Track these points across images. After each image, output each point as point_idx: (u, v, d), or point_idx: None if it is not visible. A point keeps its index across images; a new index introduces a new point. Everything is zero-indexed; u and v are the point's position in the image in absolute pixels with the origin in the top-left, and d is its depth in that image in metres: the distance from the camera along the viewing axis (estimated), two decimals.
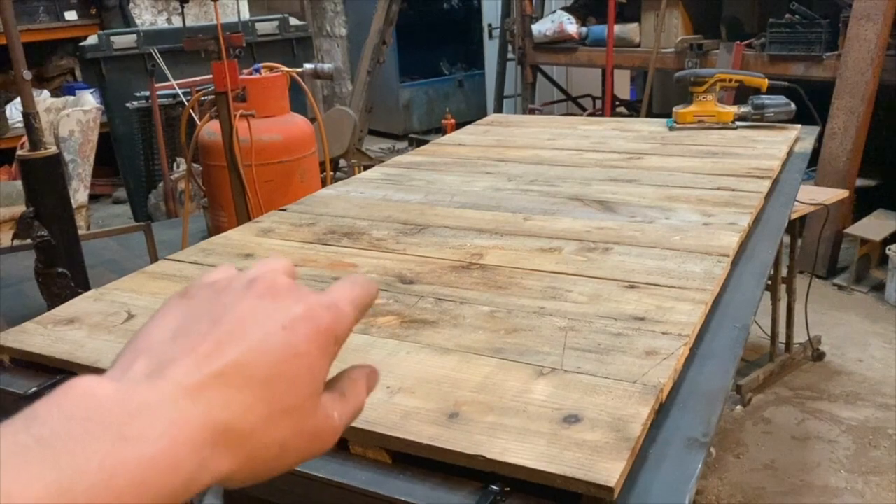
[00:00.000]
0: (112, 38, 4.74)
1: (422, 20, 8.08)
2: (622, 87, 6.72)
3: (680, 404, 0.87)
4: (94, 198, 5.85)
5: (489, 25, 7.47)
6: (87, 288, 2.22)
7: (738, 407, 2.74)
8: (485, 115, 7.28)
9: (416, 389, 0.86)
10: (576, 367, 0.90)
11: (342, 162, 4.47)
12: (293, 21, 5.22)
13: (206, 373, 0.36)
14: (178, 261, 1.33)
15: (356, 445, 0.81)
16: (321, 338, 0.40)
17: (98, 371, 1.01)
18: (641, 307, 1.05)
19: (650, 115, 5.09)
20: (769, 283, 2.75)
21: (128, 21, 6.27)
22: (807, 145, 2.05)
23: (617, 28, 5.16)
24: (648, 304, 1.06)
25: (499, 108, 6.86)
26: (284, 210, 1.60)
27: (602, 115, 5.68)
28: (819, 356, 3.05)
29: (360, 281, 0.46)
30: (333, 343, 0.41)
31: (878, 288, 3.68)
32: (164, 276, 1.26)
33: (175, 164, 4.26)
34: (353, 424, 0.79)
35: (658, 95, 5.63)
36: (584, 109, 6.47)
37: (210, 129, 2.61)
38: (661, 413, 0.85)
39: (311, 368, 0.39)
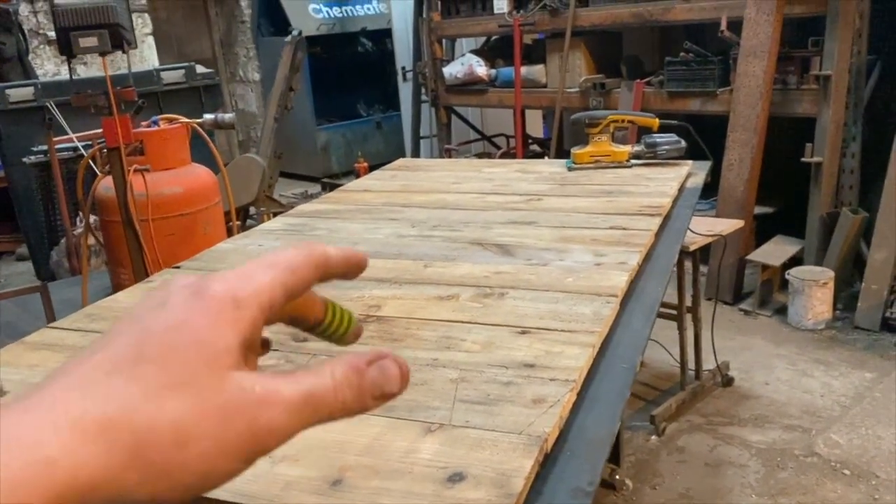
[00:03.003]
0: (7, 91, 4.57)
1: (337, 63, 8.13)
2: (535, 125, 6.89)
3: (567, 452, 0.87)
4: None
5: (402, 68, 7.57)
6: None
7: (653, 437, 2.79)
8: (403, 155, 7.35)
9: (301, 457, 0.84)
10: (464, 421, 0.89)
11: (252, 210, 4.40)
12: (200, 69, 5.15)
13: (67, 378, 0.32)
14: (61, 328, 1.27)
15: None
16: (206, 304, 0.35)
17: None
18: (532, 353, 1.05)
19: (560, 152, 5.23)
20: (675, 312, 2.83)
21: (28, 73, 6.07)
22: (698, 180, 2.13)
23: (524, 70, 5.30)
24: (538, 349, 1.06)
25: (416, 149, 6.93)
26: (178, 267, 1.56)
27: (515, 153, 5.80)
28: (728, 381, 3.14)
29: (300, 246, 0.41)
30: (232, 308, 0.36)
31: (781, 311, 3.84)
32: (43, 345, 1.20)
33: (78, 219, 4.10)
34: (231, 499, 0.77)
35: (568, 133, 5.79)
36: (498, 148, 6.60)
37: (107, 184, 2.53)
38: (549, 462, 0.85)
39: (198, 337, 0.34)
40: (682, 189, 2.00)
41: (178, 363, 0.33)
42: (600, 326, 1.12)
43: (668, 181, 1.97)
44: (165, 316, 0.35)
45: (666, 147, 2.14)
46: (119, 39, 1.97)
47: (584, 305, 1.20)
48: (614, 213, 1.72)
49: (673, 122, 2.22)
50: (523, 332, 1.13)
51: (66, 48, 1.96)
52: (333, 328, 0.47)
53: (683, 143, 2.16)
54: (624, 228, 1.59)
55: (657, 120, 2.19)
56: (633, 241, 1.50)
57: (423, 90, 6.45)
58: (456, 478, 0.78)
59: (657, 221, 1.63)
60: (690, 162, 2.20)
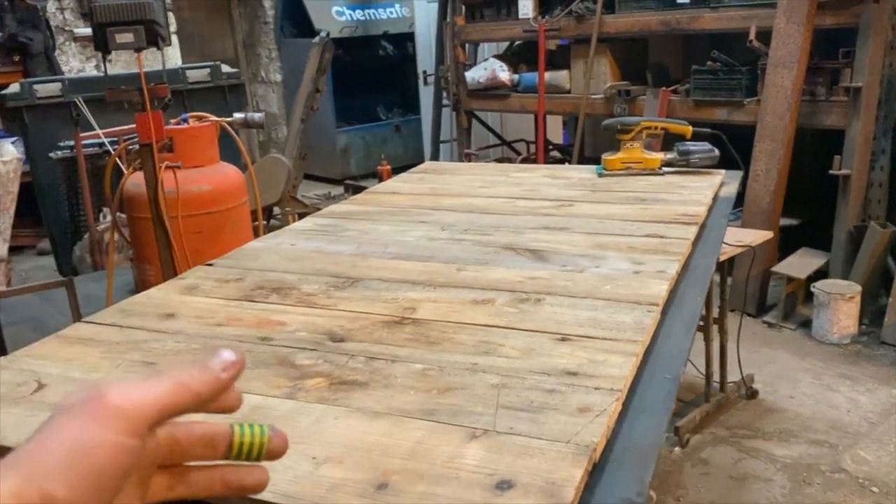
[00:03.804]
0: (35, 86, 4.61)
1: (358, 66, 8.14)
2: (555, 131, 6.87)
3: (614, 462, 0.86)
4: (16, 249, 5.62)
5: (424, 72, 7.57)
6: (2, 349, 2.10)
7: (677, 448, 2.76)
8: (422, 159, 7.34)
9: (344, 459, 0.82)
10: (508, 428, 0.87)
11: (276, 210, 4.41)
12: (225, 68, 5.17)
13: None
14: (96, 323, 1.26)
15: None
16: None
17: (3, 449, 0.93)
18: (574, 361, 1.04)
19: (582, 159, 5.20)
20: (701, 323, 2.79)
21: (54, 68, 6.12)
22: (731, 189, 2.11)
23: (548, 75, 5.29)
24: (581, 357, 1.05)
25: (435, 153, 6.92)
26: (211, 265, 1.55)
27: (536, 159, 5.78)
28: (752, 394, 3.11)
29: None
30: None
31: (806, 324, 3.80)
32: (79, 340, 1.20)
33: (101, 215, 4.13)
34: (274, 500, 0.76)
35: (590, 139, 5.77)
36: (518, 154, 6.58)
37: (135, 181, 2.54)
38: (595, 473, 0.83)
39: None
40: (715, 198, 1.97)
41: None
42: (643, 335, 1.10)
43: (703, 190, 1.95)
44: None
45: (699, 155, 2.12)
46: (154, 36, 1.98)
47: (624, 314, 1.19)
48: (649, 221, 1.70)
49: (706, 130, 2.19)
50: (563, 339, 1.11)
51: (102, 44, 1.97)
52: (247, 446, 0.49)
53: (717, 152, 2.13)
54: (660, 236, 1.57)
55: (690, 128, 2.17)
56: (670, 250, 1.48)
57: (445, 94, 6.44)
58: (504, 485, 0.76)
59: (694, 230, 1.61)
60: (723, 171, 2.17)
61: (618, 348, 1.07)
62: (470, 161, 6.08)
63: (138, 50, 2.04)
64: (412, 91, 8.16)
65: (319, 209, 2.15)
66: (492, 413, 0.91)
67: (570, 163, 5.48)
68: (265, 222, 3.74)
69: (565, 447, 0.83)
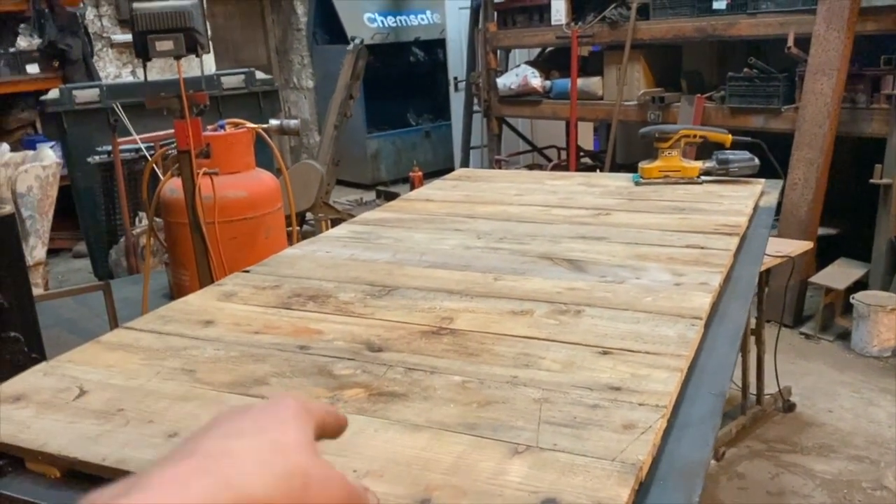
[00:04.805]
0: (74, 92, 4.69)
1: (389, 72, 8.18)
2: (585, 137, 6.83)
3: (659, 481, 0.84)
4: (53, 252, 5.72)
5: (455, 78, 7.58)
6: (41, 352, 2.13)
7: (712, 462, 2.71)
8: (451, 165, 7.32)
9: (385, 472, 0.82)
10: (552, 444, 0.86)
11: (309, 216, 4.43)
12: (259, 75, 5.22)
13: None
14: (135, 329, 1.27)
15: None
16: (288, 408, 0.51)
17: (44, 455, 0.92)
18: (616, 375, 1.02)
19: (614, 166, 5.16)
20: None
21: (91, 74, 6.23)
22: (771, 199, 2.07)
23: (580, 81, 5.25)
24: (623, 371, 1.03)
25: (465, 159, 6.92)
26: (248, 271, 1.56)
27: (567, 165, 5.74)
28: (790, 407, 3.04)
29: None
30: (305, 412, 0.52)
31: (844, 336, 3.72)
32: (119, 346, 1.20)
33: (137, 220, 4.18)
34: None
35: (621, 146, 5.72)
36: (549, 160, 6.55)
37: (172, 186, 2.56)
38: (641, 492, 0.81)
39: (296, 426, 0.50)
40: (755, 208, 1.94)
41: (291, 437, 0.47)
42: (687, 350, 1.08)
43: (743, 199, 1.92)
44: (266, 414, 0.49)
45: (738, 164, 2.08)
46: (193, 43, 2.00)
47: (666, 327, 1.16)
48: (689, 231, 1.67)
49: (746, 139, 2.15)
50: (605, 353, 1.09)
51: (143, 51, 1.99)
52: None
53: (757, 161, 2.10)
54: (701, 247, 1.54)
55: (730, 136, 2.13)
56: (712, 261, 1.45)
57: (476, 100, 6.44)
58: None
59: (735, 241, 1.58)
60: (763, 180, 2.13)
61: (661, 363, 1.05)
62: (500, 167, 6.07)
63: (178, 57, 2.06)
64: (442, 97, 8.17)
65: (352, 215, 2.16)
66: (534, 428, 0.90)
67: (601, 170, 5.44)
68: (298, 228, 3.76)
69: (611, 465, 0.81)
